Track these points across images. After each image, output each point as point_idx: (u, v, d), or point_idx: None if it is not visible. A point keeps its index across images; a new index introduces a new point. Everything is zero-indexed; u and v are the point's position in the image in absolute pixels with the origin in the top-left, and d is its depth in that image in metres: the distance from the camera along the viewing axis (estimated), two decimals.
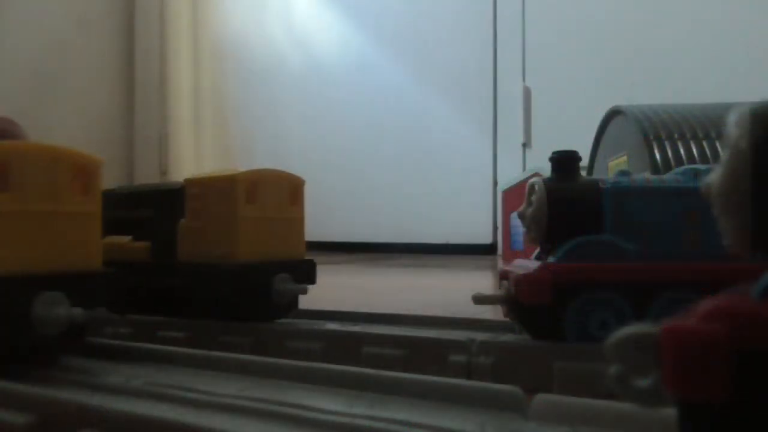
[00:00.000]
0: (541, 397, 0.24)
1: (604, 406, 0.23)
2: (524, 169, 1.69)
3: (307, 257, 0.49)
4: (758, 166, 0.14)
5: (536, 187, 0.39)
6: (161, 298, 0.48)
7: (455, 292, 0.90)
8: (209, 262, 0.45)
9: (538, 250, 0.40)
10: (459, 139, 1.89)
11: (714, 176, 0.16)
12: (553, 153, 0.39)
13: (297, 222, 0.48)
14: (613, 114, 1.06)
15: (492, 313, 0.57)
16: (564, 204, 0.38)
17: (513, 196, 1.25)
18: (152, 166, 2.38)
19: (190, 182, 0.46)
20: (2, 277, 0.31)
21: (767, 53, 1.51)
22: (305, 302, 0.48)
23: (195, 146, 2.42)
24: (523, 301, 0.36)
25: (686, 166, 0.39)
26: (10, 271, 0.32)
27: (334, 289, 1.03)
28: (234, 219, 0.44)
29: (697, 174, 0.38)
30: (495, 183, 1.80)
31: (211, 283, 0.45)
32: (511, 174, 1.49)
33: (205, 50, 2.40)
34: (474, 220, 1.85)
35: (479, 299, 0.39)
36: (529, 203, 0.39)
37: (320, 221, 2.10)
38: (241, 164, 2.32)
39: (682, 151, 0.88)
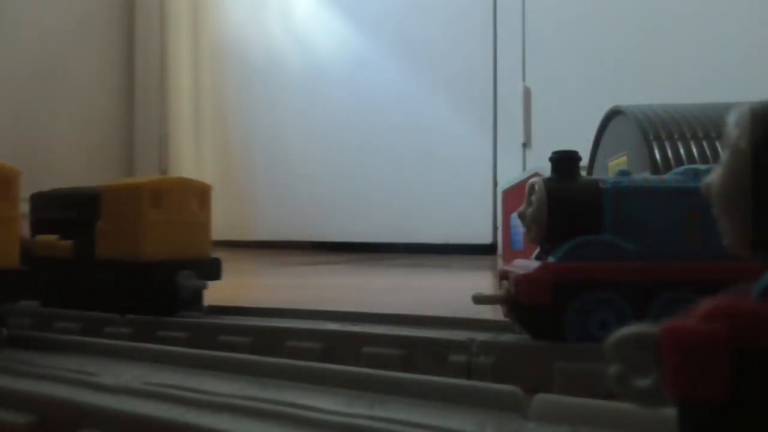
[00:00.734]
0: (541, 397, 0.24)
1: (604, 406, 0.23)
2: (524, 169, 1.70)
3: (213, 256, 0.53)
4: (758, 166, 0.14)
5: (536, 187, 0.39)
6: (81, 292, 0.53)
7: (455, 292, 0.90)
8: (119, 260, 0.50)
9: (538, 250, 0.40)
10: (459, 139, 1.89)
11: (714, 176, 0.16)
12: (553, 153, 0.39)
13: (203, 224, 0.54)
14: (613, 114, 1.06)
15: (492, 313, 0.57)
16: (564, 204, 0.38)
17: (513, 196, 1.25)
18: (152, 165, 2.39)
19: (106, 188, 0.52)
20: None
21: (767, 53, 1.51)
22: (305, 302, 0.49)
23: (195, 146, 2.42)
24: (523, 301, 0.36)
25: (686, 166, 0.39)
26: None
27: (334, 289, 1.03)
28: (140, 221, 0.50)
29: (697, 174, 0.38)
30: (495, 183, 1.80)
31: (120, 279, 0.50)
32: (511, 174, 1.49)
33: (205, 50, 2.41)
34: (474, 220, 1.85)
35: (479, 299, 0.39)
36: (529, 203, 0.39)
37: (320, 221, 2.11)
38: (239, 164, 2.32)
39: (682, 151, 0.88)
